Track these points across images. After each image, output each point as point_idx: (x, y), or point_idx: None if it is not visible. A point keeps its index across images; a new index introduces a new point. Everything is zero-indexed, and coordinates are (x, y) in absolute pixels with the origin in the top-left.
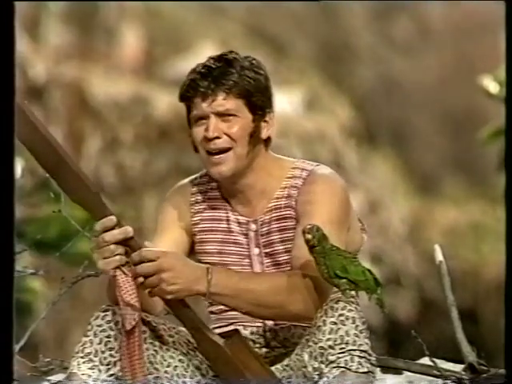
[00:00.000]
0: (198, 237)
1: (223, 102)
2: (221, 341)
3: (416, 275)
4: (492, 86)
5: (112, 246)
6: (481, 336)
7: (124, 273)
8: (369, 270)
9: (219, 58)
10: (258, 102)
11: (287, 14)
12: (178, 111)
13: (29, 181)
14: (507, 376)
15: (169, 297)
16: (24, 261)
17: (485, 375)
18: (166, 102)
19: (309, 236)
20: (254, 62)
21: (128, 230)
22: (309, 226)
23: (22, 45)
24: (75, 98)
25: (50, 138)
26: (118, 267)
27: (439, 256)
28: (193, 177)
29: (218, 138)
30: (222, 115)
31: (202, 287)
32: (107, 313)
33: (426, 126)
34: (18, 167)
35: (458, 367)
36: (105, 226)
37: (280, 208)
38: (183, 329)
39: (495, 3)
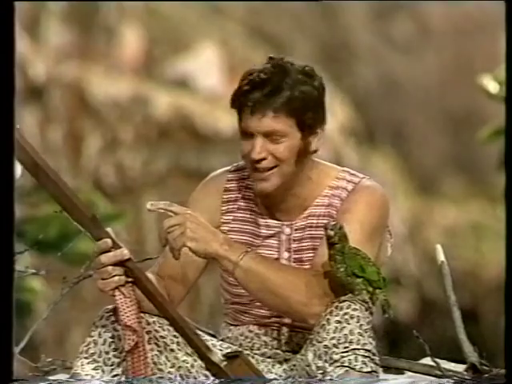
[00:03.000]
0: (230, 226)
1: (271, 121)
2: (222, 363)
3: (416, 275)
4: (492, 85)
5: (109, 268)
6: (481, 336)
7: (123, 294)
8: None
9: (272, 67)
10: (309, 121)
11: (287, 14)
12: (178, 111)
13: (29, 181)
14: (507, 376)
15: (192, 244)
16: (25, 261)
17: (487, 375)
18: (165, 102)
19: (331, 232)
20: (308, 71)
21: (123, 253)
22: (332, 223)
23: (22, 45)
24: (75, 98)
25: (45, 165)
26: (116, 288)
27: (441, 256)
28: (227, 169)
29: (264, 159)
30: (269, 135)
31: (233, 256)
32: (111, 313)
33: (426, 126)
34: (18, 167)
35: (459, 367)
36: (100, 248)
37: (318, 216)
38: None
39: (495, 3)
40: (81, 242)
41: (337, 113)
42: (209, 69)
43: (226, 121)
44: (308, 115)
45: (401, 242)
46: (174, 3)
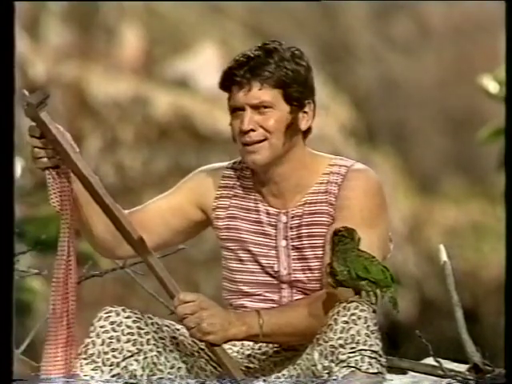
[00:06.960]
0: (224, 223)
1: (258, 93)
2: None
3: (416, 275)
4: (492, 85)
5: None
6: (481, 336)
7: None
8: (385, 267)
9: (260, 48)
10: (295, 94)
11: (287, 14)
12: (178, 111)
13: (29, 181)
14: (507, 376)
15: (209, 337)
16: (27, 261)
17: (489, 375)
18: (165, 102)
19: (335, 238)
20: (296, 52)
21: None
22: (339, 229)
23: (22, 45)
24: (75, 98)
25: (95, 183)
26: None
27: (443, 256)
28: (227, 162)
29: (253, 130)
30: (258, 107)
31: (254, 330)
32: (110, 314)
33: (426, 126)
34: (18, 167)
35: (461, 367)
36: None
37: (315, 203)
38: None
39: (495, 3)
40: (82, 242)
41: (337, 113)
42: (209, 69)
43: (225, 121)
44: (294, 88)
45: (401, 242)
46: (173, 3)
